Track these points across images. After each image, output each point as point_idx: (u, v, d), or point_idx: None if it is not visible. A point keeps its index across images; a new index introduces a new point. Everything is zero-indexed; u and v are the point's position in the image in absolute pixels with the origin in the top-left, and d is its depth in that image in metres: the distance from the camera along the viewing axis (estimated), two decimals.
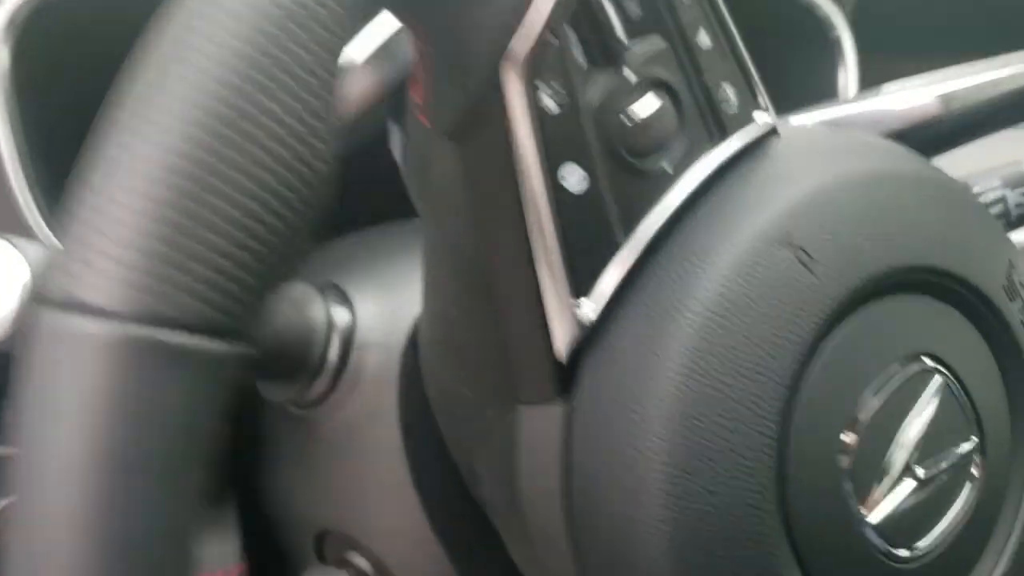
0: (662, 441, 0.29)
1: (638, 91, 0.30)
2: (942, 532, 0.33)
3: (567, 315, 0.30)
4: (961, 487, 0.33)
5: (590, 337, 0.30)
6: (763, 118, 0.32)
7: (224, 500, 0.45)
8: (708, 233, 0.30)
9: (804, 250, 0.30)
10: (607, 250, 0.30)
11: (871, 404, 0.31)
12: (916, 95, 0.39)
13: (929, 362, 0.32)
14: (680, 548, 0.29)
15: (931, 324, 0.33)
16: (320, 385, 0.40)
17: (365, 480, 0.40)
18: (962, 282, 0.33)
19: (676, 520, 0.29)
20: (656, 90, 0.30)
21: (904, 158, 0.34)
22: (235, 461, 0.45)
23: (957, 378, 0.33)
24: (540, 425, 0.31)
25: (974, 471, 0.33)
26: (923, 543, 0.32)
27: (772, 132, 0.32)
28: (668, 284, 0.30)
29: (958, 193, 0.34)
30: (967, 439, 0.33)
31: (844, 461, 0.31)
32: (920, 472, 0.32)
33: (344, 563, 0.42)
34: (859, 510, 0.31)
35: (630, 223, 0.30)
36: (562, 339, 0.30)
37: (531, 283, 0.30)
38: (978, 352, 0.34)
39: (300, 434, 0.42)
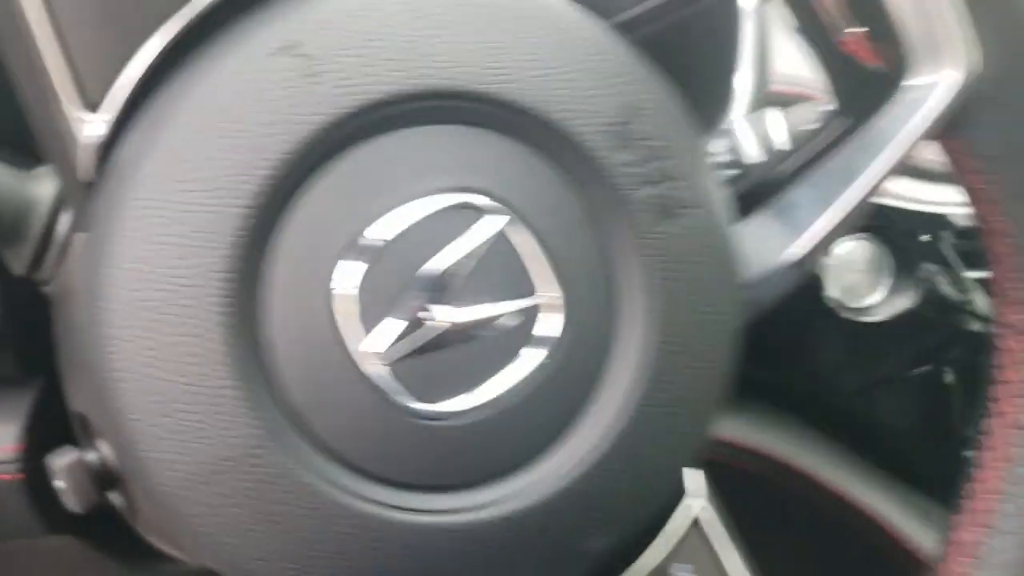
0: (118, 235, 0.27)
1: None
2: (497, 394, 0.28)
3: (79, 130, 0.29)
4: (528, 347, 0.29)
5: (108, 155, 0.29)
6: None
7: (20, 382, 0.46)
8: (223, 40, 0.28)
9: (314, 60, 0.27)
10: (121, 57, 0.29)
11: (383, 234, 0.28)
12: None
13: (479, 200, 0.28)
14: (120, 356, 0.27)
15: (489, 159, 0.29)
16: (51, 259, 0.40)
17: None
18: (535, 118, 0.29)
19: (117, 320, 0.27)
20: None
21: None
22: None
23: (529, 226, 0.29)
24: (80, 253, 0.30)
25: (547, 332, 0.29)
26: (464, 402, 0.28)
27: None
28: (171, 91, 0.28)
29: (561, 28, 0.30)
30: (534, 294, 0.29)
31: (345, 290, 0.27)
32: (456, 317, 0.28)
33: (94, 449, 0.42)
34: (357, 349, 0.28)
35: (146, 31, 0.28)
36: (82, 158, 0.29)
37: (43, 94, 0.29)
38: (562, 200, 0.29)
39: (55, 312, 0.43)
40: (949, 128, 0.34)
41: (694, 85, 0.56)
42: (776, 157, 0.38)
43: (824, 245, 0.35)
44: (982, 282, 0.56)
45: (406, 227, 0.28)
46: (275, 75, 0.27)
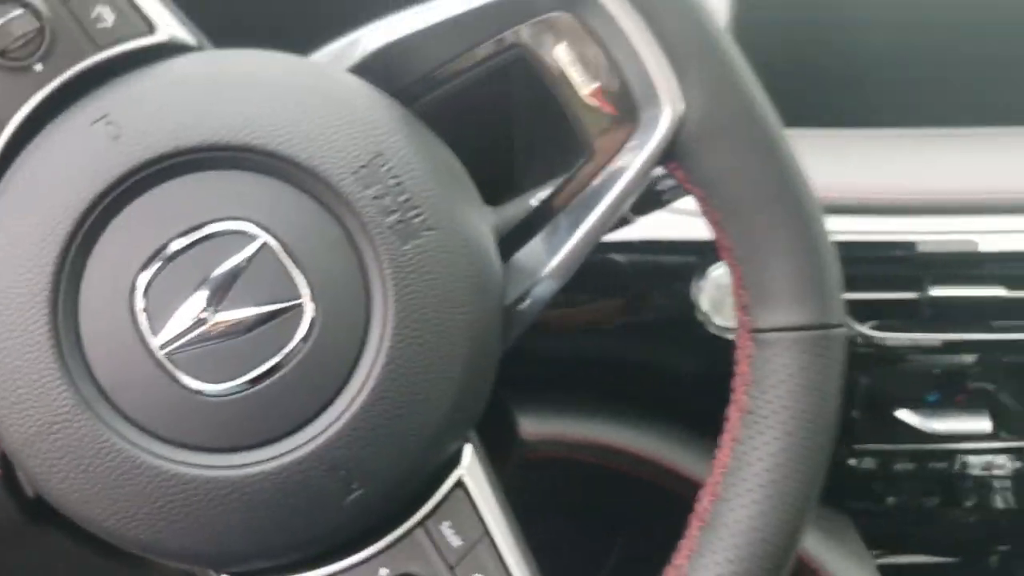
0: None
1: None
2: (265, 377, 0.36)
3: None
4: (292, 341, 0.36)
5: None
6: (157, 37, 0.39)
7: None
8: (62, 115, 0.37)
9: (119, 126, 0.36)
10: None
11: (173, 252, 0.36)
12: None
13: (246, 226, 0.36)
14: None
15: (260, 197, 0.37)
16: None
17: None
18: (298, 164, 0.37)
19: None
20: (13, 3, 0.37)
21: (269, 63, 0.39)
22: None
23: (285, 245, 0.36)
24: None
25: (306, 331, 0.36)
26: (238, 380, 0.36)
27: (166, 46, 0.39)
28: (24, 152, 0.37)
29: (322, 92, 0.38)
30: (288, 299, 0.36)
31: (143, 295, 0.36)
32: (225, 316, 0.36)
33: None
34: (151, 342, 0.36)
35: (5, 117, 0.38)
36: None
37: None
38: (322, 228, 0.37)
39: None
40: (668, 160, 0.40)
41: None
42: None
43: (574, 260, 0.41)
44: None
45: (191, 247, 0.36)
46: (90, 139, 0.36)
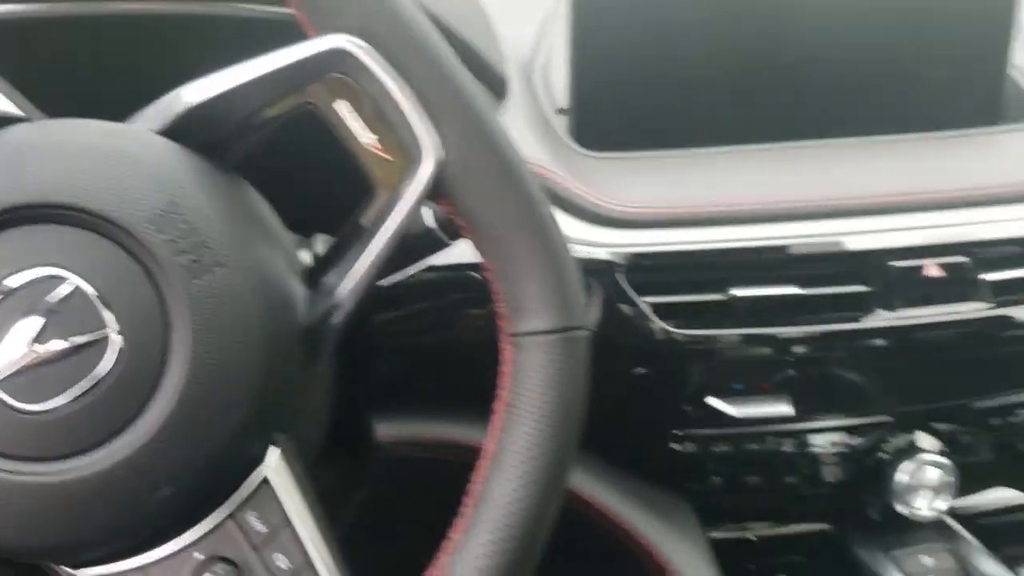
0: None
1: None
2: (81, 396, 0.42)
3: None
4: (96, 364, 0.42)
5: None
6: None
7: None
8: None
9: None
10: None
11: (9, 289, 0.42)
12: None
13: (59, 271, 0.42)
14: None
15: (67, 245, 0.42)
16: None
17: None
18: (100, 216, 0.42)
19: None
20: None
21: (79, 130, 0.45)
22: None
23: (93, 285, 0.42)
24: None
25: (110, 355, 0.42)
26: (56, 400, 0.42)
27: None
28: None
29: (124, 152, 0.44)
30: (97, 331, 0.42)
31: None
32: (43, 348, 0.42)
33: None
34: None
35: None
36: None
37: None
38: (119, 267, 0.43)
39: None
40: (435, 197, 0.46)
41: None
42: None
43: (365, 282, 0.47)
44: (655, 307, 0.67)
45: (13, 292, 0.42)
46: None
